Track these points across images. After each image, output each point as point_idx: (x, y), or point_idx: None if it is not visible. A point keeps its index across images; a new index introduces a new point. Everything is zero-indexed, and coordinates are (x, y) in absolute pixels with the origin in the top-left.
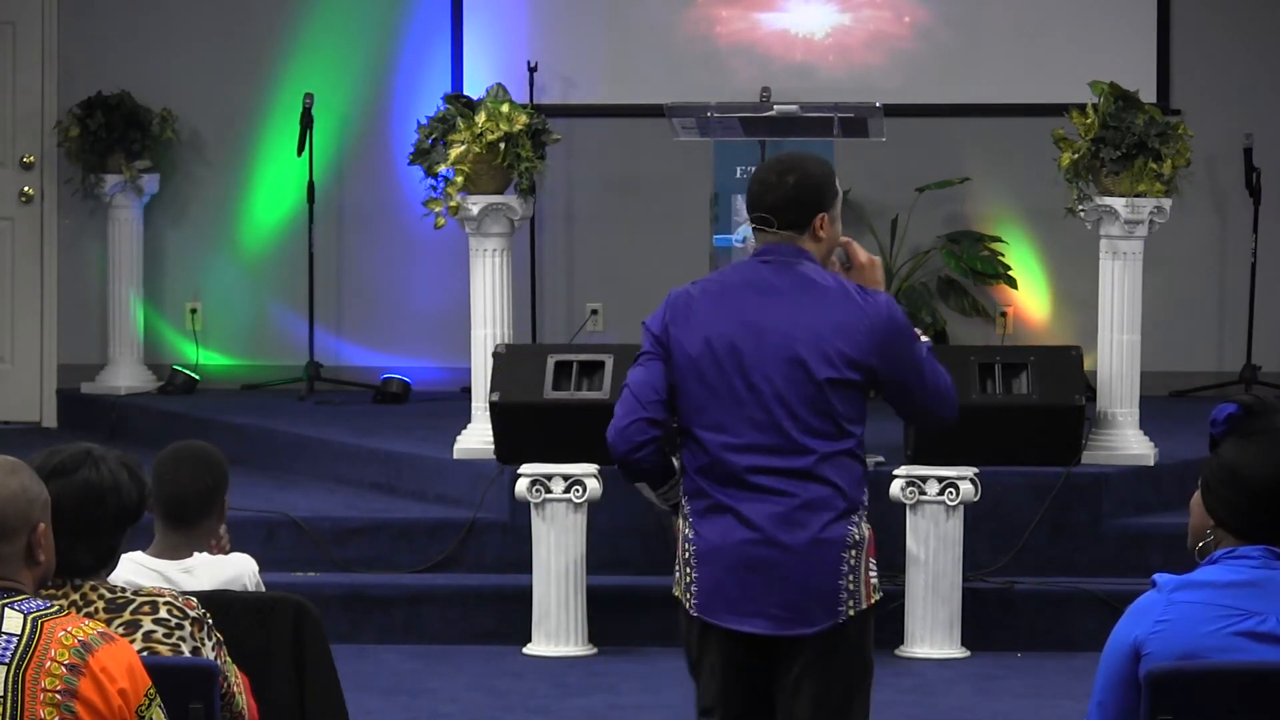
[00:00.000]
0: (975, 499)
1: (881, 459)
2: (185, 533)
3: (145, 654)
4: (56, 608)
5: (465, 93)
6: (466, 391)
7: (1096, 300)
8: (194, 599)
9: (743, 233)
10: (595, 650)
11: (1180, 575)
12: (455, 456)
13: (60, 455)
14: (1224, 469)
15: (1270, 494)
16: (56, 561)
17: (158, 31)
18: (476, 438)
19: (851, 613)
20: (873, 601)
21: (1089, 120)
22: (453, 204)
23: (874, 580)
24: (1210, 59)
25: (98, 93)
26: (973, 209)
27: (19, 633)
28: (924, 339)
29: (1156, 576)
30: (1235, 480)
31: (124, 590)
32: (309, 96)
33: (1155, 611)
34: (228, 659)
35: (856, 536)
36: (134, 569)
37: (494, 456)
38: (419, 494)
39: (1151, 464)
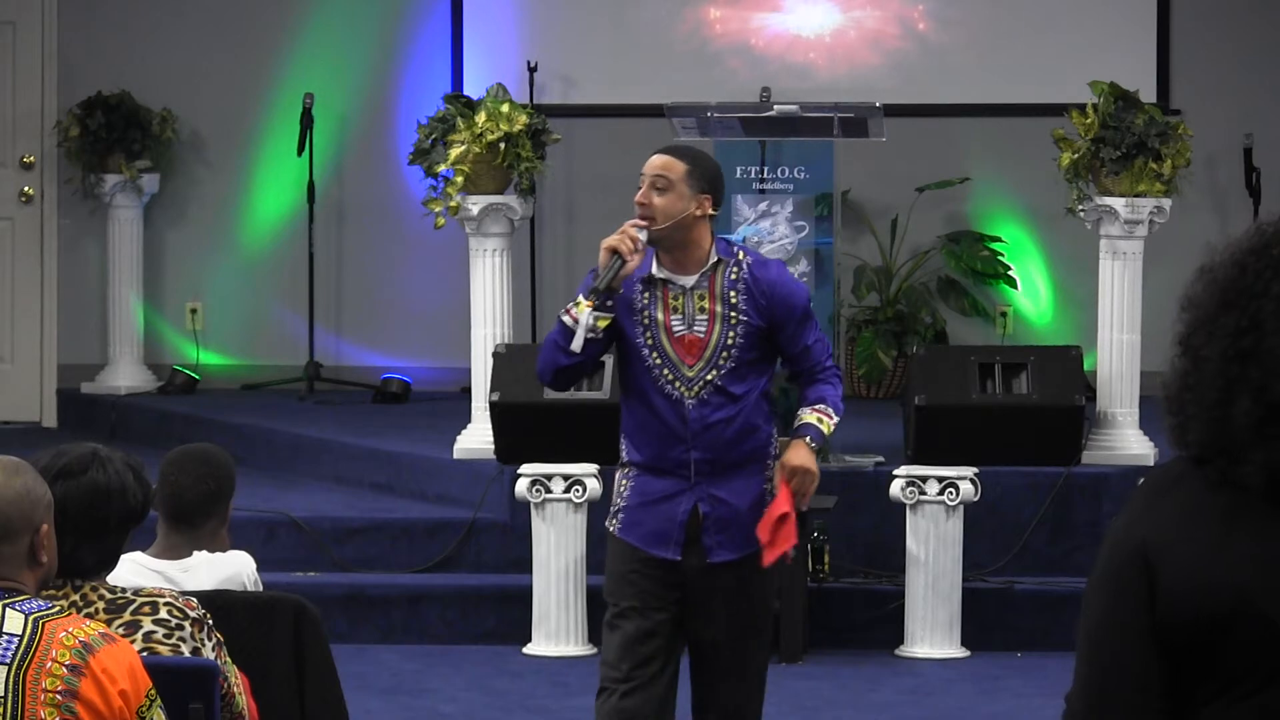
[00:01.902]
0: (975, 499)
1: (881, 459)
2: (187, 534)
3: (145, 654)
4: (57, 608)
5: (465, 93)
6: (466, 391)
7: (1096, 300)
8: (194, 599)
9: (743, 233)
10: (595, 650)
11: None
12: (455, 456)
13: (67, 456)
14: None
15: None
16: (60, 562)
17: (158, 31)
18: (476, 438)
19: None
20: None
21: (1089, 120)
22: (453, 204)
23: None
24: (1210, 59)
25: (98, 93)
26: (973, 209)
27: (20, 633)
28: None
29: None
30: None
31: (124, 591)
32: (309, 96)
33: None
34: (228, 659)
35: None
36: (134, 569)
37: (494, 456)
38: (419, 494)
39: (1151, 464)
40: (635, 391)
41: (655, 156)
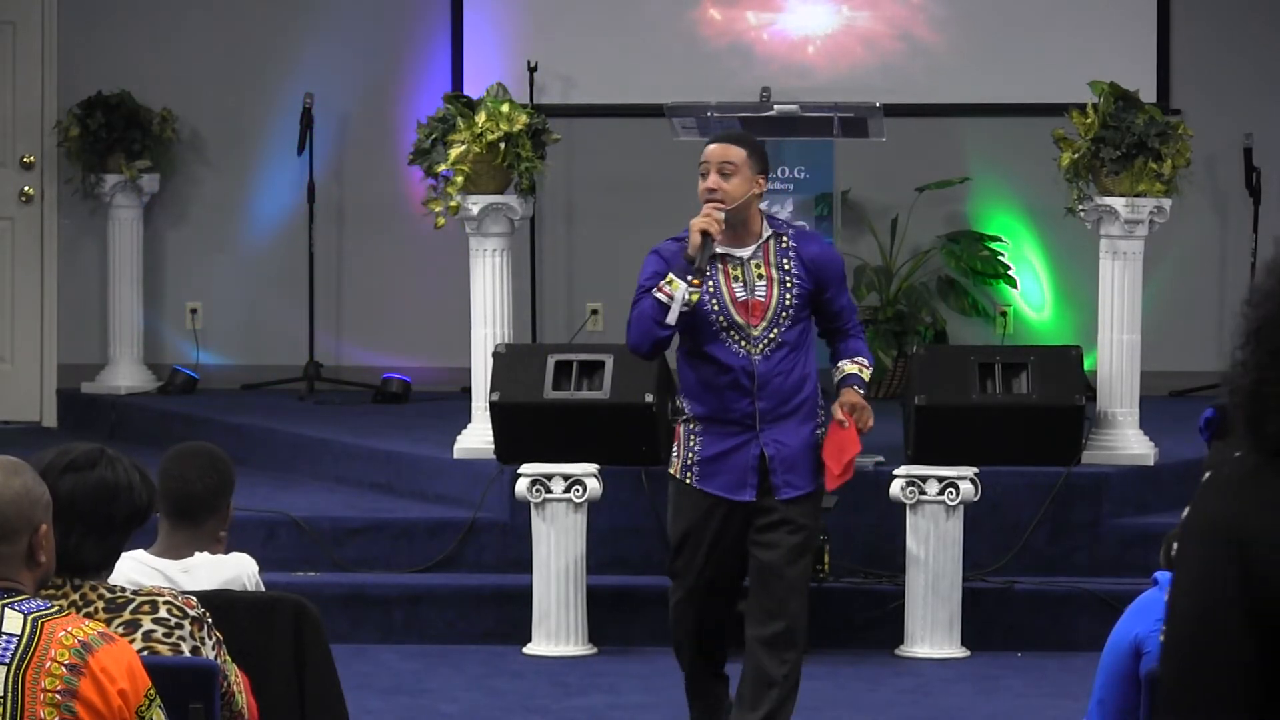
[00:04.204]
0: (975, 499)
1: (881, 459)
2: (189, 531)
3: (145, 654)
4: (56, 608)
5: (465, 93)
6: (466, 391)
7: (1097, 300)
8: (193, 598)
9: None
10: (595, 650)
11: None
12: (455, 456)
13: (74, 452)
14: (1203, 473)
15: None
16: (62, 557)
17: (158, 31)
18: (476, 438)
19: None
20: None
21: (1089, 120)
22: (453, 204)
23: (673, 459)
24: (1210, 59)
25: (98, 93)
26: (973, 209)
27: (19, 633)
28: (670, 288)
29: (1157, 575)
30: None
31: (123, 590)
32: (309, 96)
33: (1156, 609)
34: (227, 658)
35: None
36: (135, 567)
37: (494, 456)
38: (419, 494)
39: (1151, 464)
40: (702, 354)
41: (714, 146)
